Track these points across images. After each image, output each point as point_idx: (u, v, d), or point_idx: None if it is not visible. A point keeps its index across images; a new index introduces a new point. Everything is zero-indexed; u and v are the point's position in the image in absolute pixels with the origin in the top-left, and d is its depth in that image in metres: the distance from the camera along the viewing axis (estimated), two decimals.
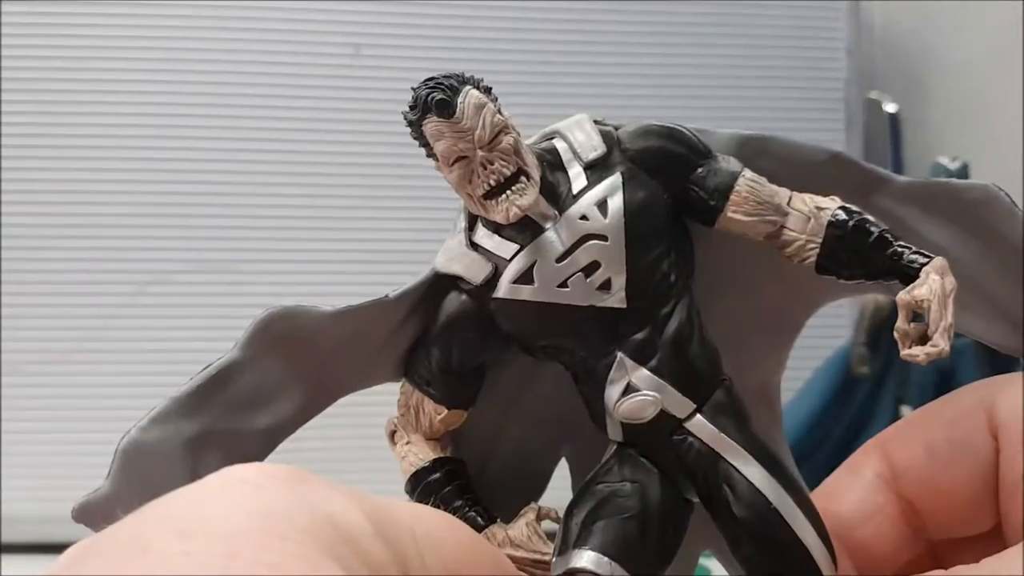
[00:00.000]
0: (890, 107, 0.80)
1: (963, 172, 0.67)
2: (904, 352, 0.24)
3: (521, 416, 0.30)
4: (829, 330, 0.73)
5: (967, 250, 0.27)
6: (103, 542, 0.17)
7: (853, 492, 0.27)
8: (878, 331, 0.72)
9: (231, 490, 0.18)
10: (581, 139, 0.26)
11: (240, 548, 0.16)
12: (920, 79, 0.86)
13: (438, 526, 0.20)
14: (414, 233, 0.69)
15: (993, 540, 0.26)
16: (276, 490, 0.18)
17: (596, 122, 0.27)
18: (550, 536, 0.26)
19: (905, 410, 0.71)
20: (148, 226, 0.69)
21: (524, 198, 0.24)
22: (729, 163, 0.26)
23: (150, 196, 0.69)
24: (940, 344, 0.23)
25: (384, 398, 0.29)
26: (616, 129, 0.27)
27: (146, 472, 0.25)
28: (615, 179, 0.25)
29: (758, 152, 0.27)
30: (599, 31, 0.73)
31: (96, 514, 0.25)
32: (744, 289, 0.29)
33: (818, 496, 0.26)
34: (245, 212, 0.70)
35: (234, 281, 0.69)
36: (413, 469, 0.27)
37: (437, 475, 0.27)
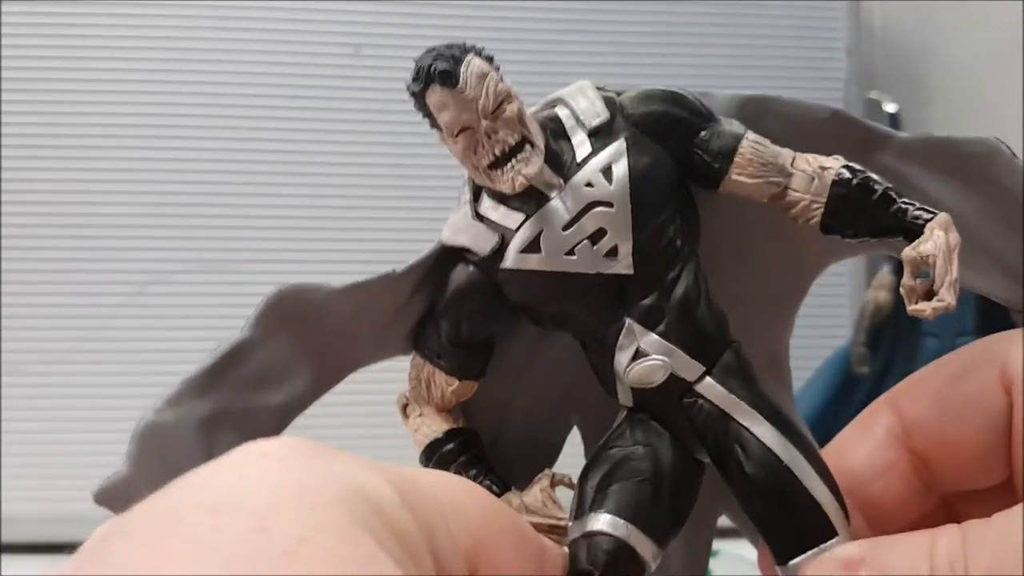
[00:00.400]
0: (890, 107, 0.80)
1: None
2: (911, 308, 0.24)
3: (531, 386, 0.30)
4: (829, 330, 0.73)
5: (968, 205, 0.27)
6: (132, 519, 0.17)
7: (864, 448, 0.27)
8: (878, 331, 0.72)
9: (256, 465, 0.18)
10: (584, 105, 0.26)
11: (272, 521, 0.16)
12: (920, 79, 0.86)
13: (460, 493, 0.20)
14: (414, 233, 0.68)
15: (1005, 493, 0.26)
16: (301, 463, 0.18)
17: (598, 88, 0.27)
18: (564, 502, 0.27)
19: None
20: (148, 226, 0.69)
21: (529, 167, 0.24)
22: (732, 125, 0.26)
23: (150, 196, 0.69)
24: (946, 299, 0.23)
25: (392, 375, 0.29)
26: (618, 95, 0.27)
27: (163, 453, 0.25)
28: (619, 145, 0.25)
29: (760, 113, 0.27)
30: (599, 31, 0.73)
31: (115, 497, 0.25)
32: (749, 253, 0.29)
33: (829, 453, 0.26)
34: (245, 212, 0.70)
35: (234, 281, 0.69)
36: (427, 441, 0.28)
37: (451, 446, 0.27)
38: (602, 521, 0.24)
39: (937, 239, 0.24)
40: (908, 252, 0.24)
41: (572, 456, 0.30)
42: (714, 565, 0.52)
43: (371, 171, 0.71)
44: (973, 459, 0.26)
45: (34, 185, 0.69)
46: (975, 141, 0.27)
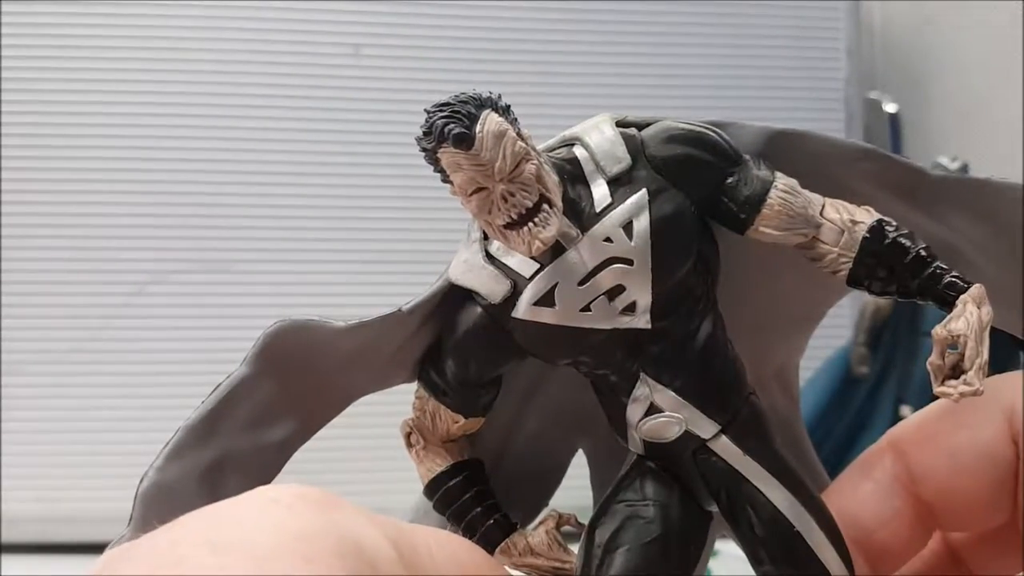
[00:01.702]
0: (890, 107, 0.80)
1: (963, 172, 0.67)
2: (937, 388, 0.23)
3: (538, 409, 0.29)
4: (829, 330, 0.73)
5: (997, 245, 0.26)
6: (139, 550, 0.18)
7: (869, 497, 0.27)
8: (878, 331, 0.72)
9: (264, 510, 0.18)
10: (604, 148, 0.24)
11: (270, 566, 0.17)
12: (920, 79, 0.86)
13: (456, 550, 0.21)
14: (414, 233, 0.69)
15: (1007, 532, 0.26)
16: (307, 513, 0.18)
17: (618, 124, 0.25)
18: (568, 537, 0.26)
19: (905, 410, 0.71)
20: (148, 226, 0.69)
21: (547, 230, 0.23)
22: (760, 170, 0.25)
23: (150, 196, 0.69)
24: (975, 384, 0.22)
25: (399, 396, 0.29)
26: (640, 130, 0.25)
27: (167, 511, 0.24)
28: (641, 197, 0.24)
29: (789, 148, 0.26)
30: (599, 31, 0.73)
31: None
32: (767, 277, 0.28)
33: (832, 496, 0.26)
34: (245, 212, 0.70)
35: (234, 281, 0.70)
36: (431, 475, 0.27)
37: (455, 481, 0.27)
38: None
39: (969, 316, 0.23)
40: (938, 330, 0.23)
41: (575, 486, 0.30)
42: (714, 565, 0.52)
43: (371, 170, 0.71)
44: (981, 509, 0.26)
45: (34, 185, 0.69)
46: (1011, 187, 0.26)
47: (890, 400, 0.72)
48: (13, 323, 0.68)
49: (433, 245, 0.68)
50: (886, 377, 0.72)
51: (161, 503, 0.24)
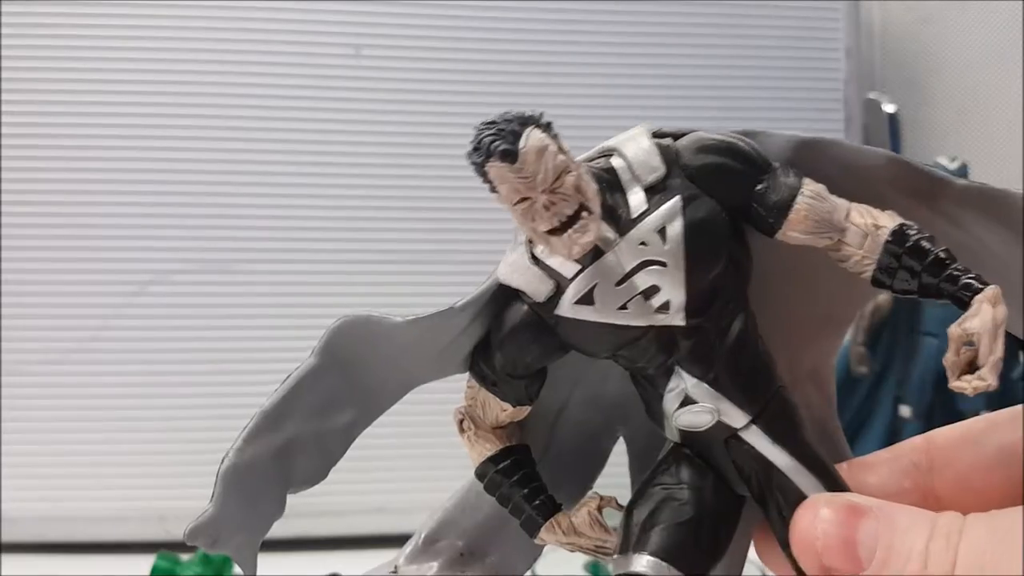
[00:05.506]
0: (889, 107, 0.80)
1: (962, 172, 0.67)
2: (953, 383, 0.24)
3: (581, 399, 0.31)
4: None
5: (1012, 250, 0.27)
6: None
7: (883, 471, 0.28)
8: (877, 331, 0.72)
9: None
10: (640, 158, 0.26)
11: None
12: (919, 79, 0.86)
13: None
14: (413, 233, 0.69)
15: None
16: None
17: (654, 135, 0.27)
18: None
19: (904, 409, 0.71)
20: (148, 226, 0.69)
21: (585, 236, 0.25)
22: (788, 177, 0.26)
23: (150, 196, 0.69)
24: (988, 379, 0.23)
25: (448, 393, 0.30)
26: (675, 140, 0.27)
27: (244, 488, 0.27)
28: (674, 204, 0.26)
29: (816, 156, 0.27)
30: (599, 31, 0.73)
31: (205, 535, 0.27)
32: (801, 279, 0.29)
33: (854, 467, 0.28)
34: (245, 212, 0.70)
35: (234, 281, 0.70)
36: (481, 458, 0.29)
37: (504, 464, 0.29)
38: (644, 563, 0.26)
39: (984, 315, 0.24)
40: (954, 329, 0.24)
41: (617, 465, 0.31)
42: None
43: (371, 170, 0.71)
44: (992, 504, 0.26)
45: (34, 185, 0.69)
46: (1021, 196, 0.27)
47: (889, 399, 0.72)
48: (13, 323, 0.68)
49: (432, 245, 0.69)
50: (885, 376, 0.72)
51: (239, 481, 0.27)
